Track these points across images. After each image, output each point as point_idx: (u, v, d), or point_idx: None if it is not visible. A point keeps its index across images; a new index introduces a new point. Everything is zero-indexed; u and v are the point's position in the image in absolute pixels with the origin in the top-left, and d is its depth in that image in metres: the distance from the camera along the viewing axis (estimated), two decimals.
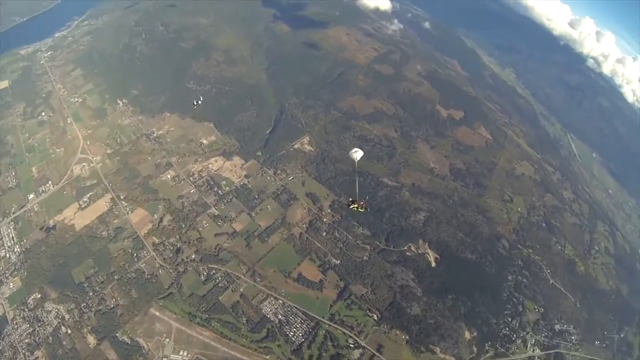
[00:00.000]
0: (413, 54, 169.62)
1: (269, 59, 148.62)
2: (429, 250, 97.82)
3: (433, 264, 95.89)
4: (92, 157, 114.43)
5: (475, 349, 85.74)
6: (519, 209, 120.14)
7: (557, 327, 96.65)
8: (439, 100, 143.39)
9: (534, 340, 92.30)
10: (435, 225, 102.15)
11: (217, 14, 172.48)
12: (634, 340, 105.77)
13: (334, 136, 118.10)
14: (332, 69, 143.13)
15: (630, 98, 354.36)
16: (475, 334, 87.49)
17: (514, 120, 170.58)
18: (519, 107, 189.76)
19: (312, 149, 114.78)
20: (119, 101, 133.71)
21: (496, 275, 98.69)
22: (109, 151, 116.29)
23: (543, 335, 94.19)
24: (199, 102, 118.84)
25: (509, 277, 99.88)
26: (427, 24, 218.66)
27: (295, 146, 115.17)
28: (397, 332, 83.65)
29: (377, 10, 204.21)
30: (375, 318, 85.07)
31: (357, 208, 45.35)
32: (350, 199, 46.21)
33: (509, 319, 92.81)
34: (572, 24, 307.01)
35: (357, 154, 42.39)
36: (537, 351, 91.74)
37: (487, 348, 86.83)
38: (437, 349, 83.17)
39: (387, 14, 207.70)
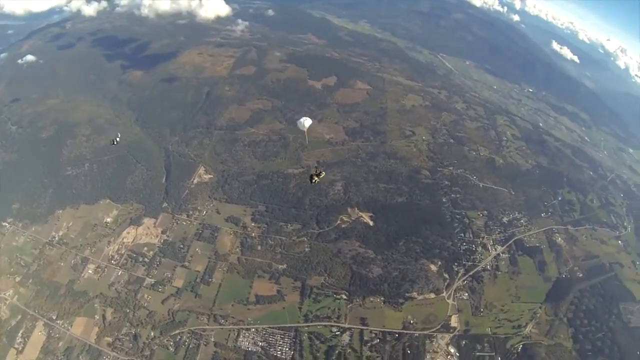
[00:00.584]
0: (268, 45, 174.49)
1: (134, 111, 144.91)
2: (360, 213, 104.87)
3: (371, 223, 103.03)
4: (4, 294, 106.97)
5: (446, 275, 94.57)
6: (424, 137, 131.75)
7: (505, 219, 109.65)
8: (308, 76, 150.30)
9: (491, 241, 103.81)
10: (355, 188, 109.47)
11: (66, 89, 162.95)
12: (571, 197, 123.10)
13: (225, 154, 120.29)
14: (197, 93, 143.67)
15: (478, 3, 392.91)
16: (439, 263, 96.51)
17: (384, 63, 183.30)
18: (384, 50, 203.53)
19: (211, 176, 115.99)
20: (3, 223, 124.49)
21: (431, 204, 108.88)
22: (18, 279, 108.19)
23: (496, 232, 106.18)
24: (117, 139, 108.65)
25: (444, 200, 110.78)
26: (270, 12, 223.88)
27: (195, 181, 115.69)
28: (371, 299, 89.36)
29: (218, 19, 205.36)
30: (345, 297, 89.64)
31: (317, 176, 43.66)
32: (310, 175, 44.19)
33: (462, 235, 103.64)
34: None
35: (307, 122, 42.45)
36: (499, 247, 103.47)
37: (456, 269, 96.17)
38: (414, 294, 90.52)
39: (229, 17, 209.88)
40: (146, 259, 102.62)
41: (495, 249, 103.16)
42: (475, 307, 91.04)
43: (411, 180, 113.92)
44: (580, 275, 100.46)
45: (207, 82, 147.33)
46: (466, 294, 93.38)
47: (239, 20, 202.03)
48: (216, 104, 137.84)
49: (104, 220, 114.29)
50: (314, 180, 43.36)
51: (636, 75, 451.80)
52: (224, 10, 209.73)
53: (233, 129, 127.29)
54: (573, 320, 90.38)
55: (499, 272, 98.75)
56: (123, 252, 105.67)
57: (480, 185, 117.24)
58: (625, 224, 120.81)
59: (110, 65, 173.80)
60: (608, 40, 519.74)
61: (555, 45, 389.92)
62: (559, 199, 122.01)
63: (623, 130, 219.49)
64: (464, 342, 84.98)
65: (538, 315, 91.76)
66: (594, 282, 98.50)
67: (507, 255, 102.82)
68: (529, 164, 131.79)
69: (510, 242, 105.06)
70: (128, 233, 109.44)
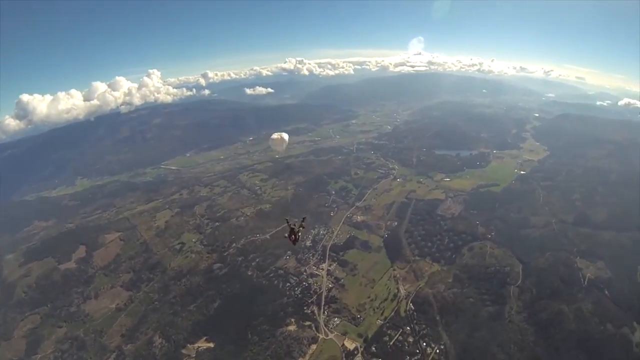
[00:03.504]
0: None
1: None
2: (198, 345, 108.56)
3: (212, 345, 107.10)
4: None
5: (309, 322, 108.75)
6: (193, 239, 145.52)
7: (309, 243, 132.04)
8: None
9: (314, 267, 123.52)
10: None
11: None
12: (343, 184, 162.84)
13: None
14: None
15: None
16: (293, 320, 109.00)
17: (118, 205, 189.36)
18: (112, 193, 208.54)
19: None
20: None
21: (248, 281, 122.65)
22: None
23: (311, 258, 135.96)
24: None
25: (249, 272, 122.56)
26: None
27: None
28: None
29: None
30: None
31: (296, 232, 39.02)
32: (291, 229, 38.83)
33: (289, 284, 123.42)
34: None
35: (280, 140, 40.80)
36: (324, 265, 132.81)
37: (310, 311, 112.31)
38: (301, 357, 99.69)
39: None
40: None
41: (322, 268, 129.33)
42: (352, 320, 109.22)
43: (211, 280, 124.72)
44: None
45: None
46: (336, 318, 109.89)
47: None
48: None
49: None
50: (295, 235, 38.73)
51: None
52: None
53: None
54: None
55: (342, 280, 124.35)
56: None
57: (268, 237, 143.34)
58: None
59: None
60: None
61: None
62: (333, 193, 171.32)
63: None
64: (373, 348, 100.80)
65: (397, 273, 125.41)
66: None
67: (335, 264, 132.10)
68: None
69: (327, 253, 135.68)
70: None
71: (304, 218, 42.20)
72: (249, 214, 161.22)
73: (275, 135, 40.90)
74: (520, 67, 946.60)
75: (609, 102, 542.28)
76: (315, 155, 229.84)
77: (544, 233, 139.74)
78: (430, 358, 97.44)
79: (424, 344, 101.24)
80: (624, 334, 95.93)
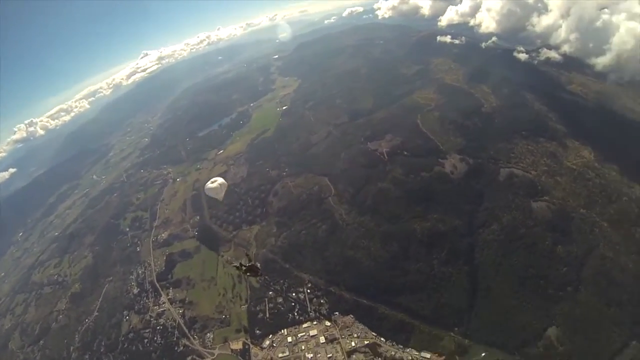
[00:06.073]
0: None
1: None
2: None
3: None
4: None
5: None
6: None
7: None
8: None
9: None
10: None
11: None
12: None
13: None
14: None
15: None
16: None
17: None
18: None
19: None
20: None
21: None
22: None
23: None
24: None
25: None
26: None
27: None
28: None
29: None
30: None
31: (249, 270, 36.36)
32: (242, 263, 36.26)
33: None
34: None
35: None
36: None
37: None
38: None
39: None
40: None
41: (163, 302, 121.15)
42: (221, 324, 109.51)
43: None
44: None
45: None
46: (208, 334, 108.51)
47: None
48: None
49: None
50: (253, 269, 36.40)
51: None
52: None
53: None
54: None
55: (186, 298, 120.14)
56: None
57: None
58: None
59: None
60: None
61: None
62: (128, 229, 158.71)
63: None
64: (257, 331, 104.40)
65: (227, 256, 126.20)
66: None
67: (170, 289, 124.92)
68: None
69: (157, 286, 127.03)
70: None
71: (246, 254, 39.28)
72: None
73: (210, 185, 38.78)
74: (246, 24, 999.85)
75: (335, 17, 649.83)
76: (91, 206, 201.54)
77: (327, 142, 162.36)
78: (310, 304, 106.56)
79: (293, 294, 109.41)
80: None
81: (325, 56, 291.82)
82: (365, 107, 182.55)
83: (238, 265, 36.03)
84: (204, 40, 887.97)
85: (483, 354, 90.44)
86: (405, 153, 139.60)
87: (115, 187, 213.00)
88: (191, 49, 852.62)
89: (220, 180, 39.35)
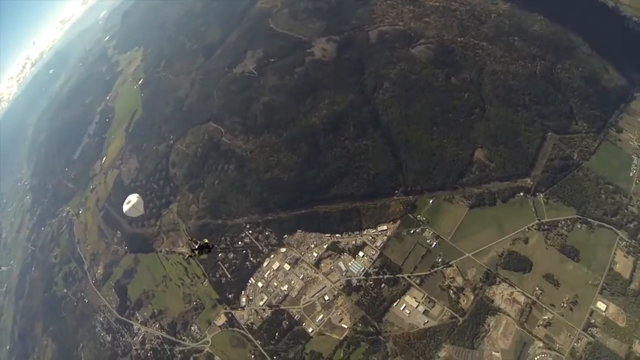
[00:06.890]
0: None
1: None
2: None
3: None
4: None
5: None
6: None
7: None
8: None
9: None
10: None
11: None
12: None
13: None
14: None
15: None
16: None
17: None
18: None
19: None
20: None
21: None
22: None
23: None
24: None
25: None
26: None
27: None
28: None
29: None
30: None
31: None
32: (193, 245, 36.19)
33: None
34: None
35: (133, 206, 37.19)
36: None
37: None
38: None
39: None
40: None
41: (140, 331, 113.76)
42: (197, 309, 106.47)
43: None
44: None
45: None
46: (193, 327, 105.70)
47: None
48: None
49: None
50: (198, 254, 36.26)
51: None
52: None
53: None
54: None
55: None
56: None
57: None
58: None
59: None
60: None
61: None
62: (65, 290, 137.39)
63: None
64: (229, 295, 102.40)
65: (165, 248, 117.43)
66: None
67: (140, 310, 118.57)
68: None
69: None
70: None
71: (190, 239, 40.21)
72: None
73: (127, 206, 37.05)
74: (60, 22, 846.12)
75: None
76: (19, 296, 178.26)
77: (195, 90, 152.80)
78: (258, 242, 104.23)
79: (239, 242, 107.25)
80: None
81: (155, 11, 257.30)
82: (215, 38, 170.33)
83: (190, 254, 36.14)
84: (26, 63, 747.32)
85: (431, 201, 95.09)
86: (272, 60, 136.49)
87: (28, 262, 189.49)
88: (18, 81, 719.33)
89: (133, 197, 38.00)
